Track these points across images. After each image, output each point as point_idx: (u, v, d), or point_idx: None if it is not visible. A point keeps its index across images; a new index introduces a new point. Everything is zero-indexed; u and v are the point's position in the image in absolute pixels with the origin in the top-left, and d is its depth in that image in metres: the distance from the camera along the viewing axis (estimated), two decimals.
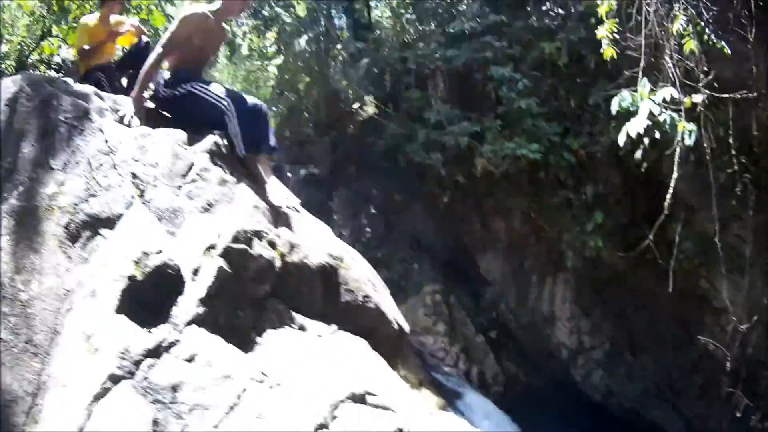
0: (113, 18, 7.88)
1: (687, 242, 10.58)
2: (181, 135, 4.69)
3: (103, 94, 5.00)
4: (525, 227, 12.96)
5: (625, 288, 12.33)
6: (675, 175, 8.16)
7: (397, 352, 5.11)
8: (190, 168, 4.44)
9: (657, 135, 7.71)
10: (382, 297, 4.94)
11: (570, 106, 12.50)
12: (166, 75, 5.19)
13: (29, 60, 12.70)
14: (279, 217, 4.62)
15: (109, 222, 3.95)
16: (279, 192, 4.98)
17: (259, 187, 4.83)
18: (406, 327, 5.22)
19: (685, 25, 7.73)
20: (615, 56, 8.14)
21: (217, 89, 4.96)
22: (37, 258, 3.71)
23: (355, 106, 16.88)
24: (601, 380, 12.35)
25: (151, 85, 5.24)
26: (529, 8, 13.08)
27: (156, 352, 3.22)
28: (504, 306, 13.24)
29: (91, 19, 7.94)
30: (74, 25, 12.90)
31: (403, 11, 17.28)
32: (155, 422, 2.95)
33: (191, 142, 4.70)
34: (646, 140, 7.91)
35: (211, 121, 4.89)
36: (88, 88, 4.94)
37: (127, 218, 3.97)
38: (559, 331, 12.79)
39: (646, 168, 9.35)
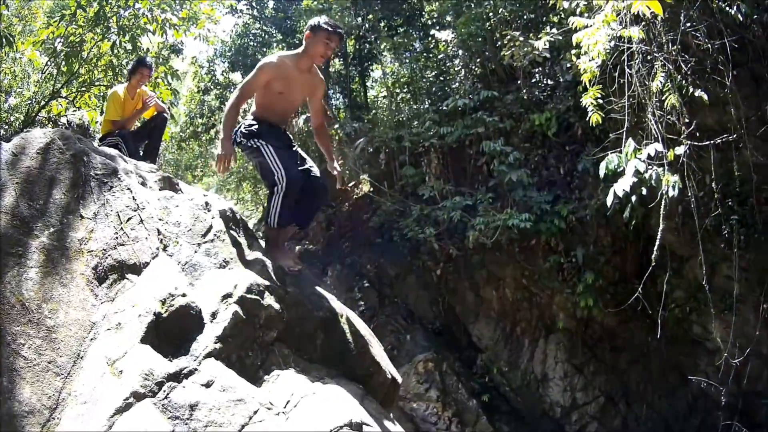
0: (139, 89, 8.48)
1: (678, 290, 10.98)
2: (200, 199, 5.23)
3: (126, 158, 5.64)
4: (516, 294, 13.22)
5: (617, 342, 12.69)
6: (662, 227, 8.37)
7: (391, 401, 5.43)
8: (208, 229, 4.90)
9: (644, 191, 8.00)
10: (377, 351, 5.29)
11: (560, 173, 12.96)
12: (248, 121, 5.51)
13: (37, 117, 13.05)
14: (286, 277, 4.99)
15: (136, 268, 4.40)
16: (288, 256, 5.43)
17: (269, 250, 5.31)
18: (399, 378, 5.57)
19: (664, 81, 8.08)
20: (600, 121, 8.53)
21: (282, 157, 5.21)
22: (65, 291, 4.11)
23: (350, 184, 17.23)
24: None
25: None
26: (519, 81, 13.51)
27: (176, 377, 3.62)
28: (496, 370, 13.37)
29: (120, 89, 8.49)
30: (83, 89, 13.41)
31: (398, 91, 17.77)
32: None
33: (209, 206, 5.20)
34: (633, 198, 8.17)
35: (265, 182, 5.42)
36: (113, 151, 5.54)
37: (152, 266, 4.43)
38: (552, 390, 12.94)
39: (634, 225, 9.61)
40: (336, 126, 16.83)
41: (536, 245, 12.80)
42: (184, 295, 4.06)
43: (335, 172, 5.70)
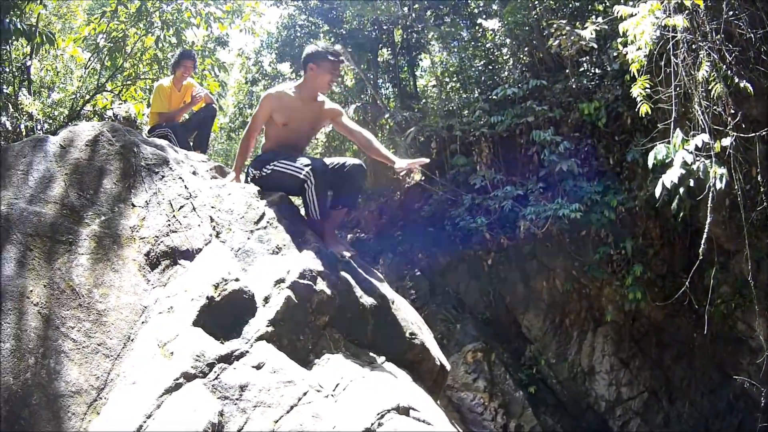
0: (185, 81, 8.56)
1: (724, 286, 10.76)
2: (253, 188, 5.33)
3: (176, 149, 5.88)
4: (566, 285, 13.11)
5: (663, 337, 12.52)
6: (709, 219, 8.29)
7: (438, 388, 5.40)
8: (261, 217, 4.98)
9: (691, 183, 7.90)
10: (427, 338, 5.27)
11: (609, 163, 12.83)
12: (258, 156, 5.72)
13: (82, 111, 13.21)
14: (338, 263, 4.99)
15: (189, 254, 4.54)
16: (339, 242, 5.43)
17: (322, 237, 5.28)
18: (448, 366, 5.54)
19: (709, 71, 7.97)
20: (649, 111, 8.43)
21: (298, 162, 5.26)
22: (117, 277, 4.24)
23: (402, 173, 17.16)
24: (639, 429, 12.38)
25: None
26: (567, 70, 13.40)
27: (227, 359, 3.67)
28: (544, 362, 13.31)
29: (166, 82, 8.59)
30: (128, 82, 13.55)
31: (447, 80, 17.74)
32: (221, 414, 3.34)
33: (262, 195, 5.29)
34: (681, 190, 8.07)
35: (294, 192, 5.40)
36: (163, 141, 5.74)
37: (205, 252, 4.54)
38: (597, 384, 12.85)
39: (682, 217, 9.47)
40: (386, 115, 16.84)
41: (586, 236, 12.69)
42: (237, 280, 4.12)
43: (400, 166, 5.42)
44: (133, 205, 4.67)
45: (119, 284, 4.19)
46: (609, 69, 12.88)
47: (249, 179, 5.63)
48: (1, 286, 3.85)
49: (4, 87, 11.74)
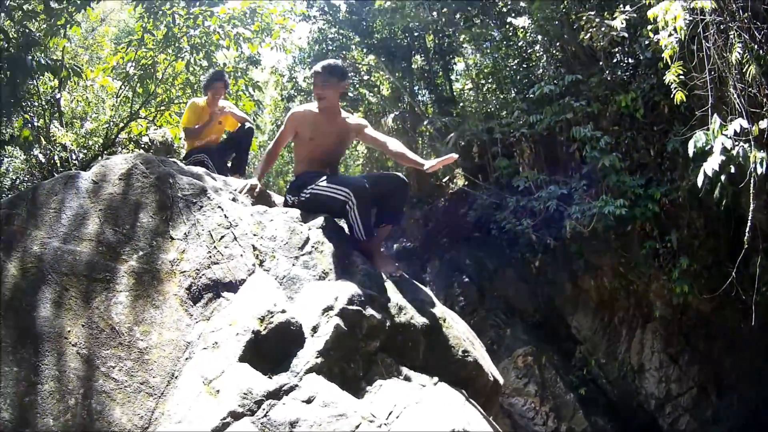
0: (221, 103, 8.47)
1: None
2: (295, 212, 5.23)
3: (213, 175, 5.73)
4: (614, 283, 12.97)
5: (711, 330, 12.34)
6: (752, 206, 8.15)
7: (492, 403, 5.32)
8: (305, 242, 4.88)
9: (732, 169, 7.72)
10: (479, 353, 5.17)
11: (650, 155, 12.60)
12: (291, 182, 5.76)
13: (117, 139, 13.26)
14: (387, 284, 4.90)
15: (232, 286, 4.39)
16: (387, 261, 5.36)
17: (369, 256, 5.19)
18: (501, 380, 5.43)
19: (742, 52, 7.78)
20: (684, 99, 8.28)
21: (335, 181, 5.29)
22: (158, 313, 4.13)
23: (445, 179, 17.11)
24: (688, 425, 12.24)
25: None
26: (600, 62, 13.21)
27: (276, 395, 3.56)
28: (594, 362, 13.16)
29: (200, 100, 8.52)
30: (162, 108, 13.58)
31: (483, 81, 17.57)
32: None
33: (305, 219, 5.20)
34: (722, 177, 7.91)
35: (336, 213, 5.31)
36: (200, 169, 5.60)
37: (249, 283, 4.41)
38: (647, 381, 12.72)
39: (725, 205, 9.28)
40: (425, 122, 16.77)
41: (632, 231, 12.52)
42: (283, 311, 4.02)
43: (429, 166, 5.44)
44: (172, 238, 4.57)
45: (161, 321, 4.10)
46: (641, 58, 12.63)
47: (288, 206, 5.58)
48: (38, 328, 3.79)
49: (35, 120, 11.81)
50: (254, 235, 4.81)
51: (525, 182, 13.26)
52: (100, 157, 12.22)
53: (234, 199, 5.30)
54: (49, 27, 10.34)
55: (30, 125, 11.36)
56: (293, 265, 4.68)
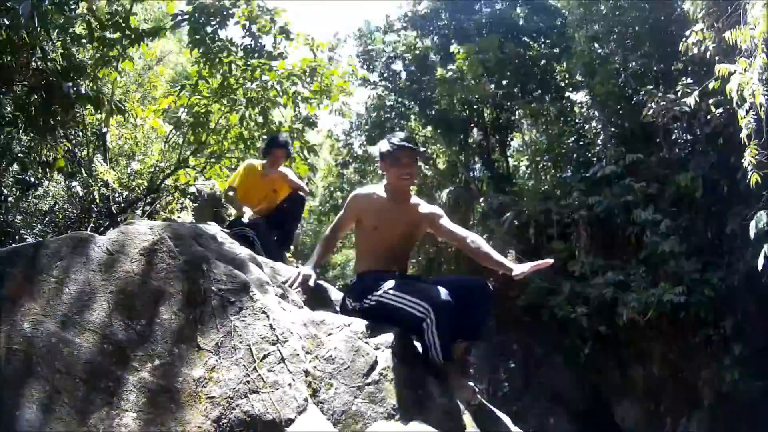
0: (280, 170, 7.61)
1: None
2: (359, 324, 4.16)
3: (260, 259, 4.76)
4: (663, 371, 12.65)
5: (760, 416, 11.68)
6: None
7: None
8: (372, 367, 3.87)
9: None
10: None
11: (707, 238, 12.36)
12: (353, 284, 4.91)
13: (162, 184, 13.07)
14: (466, 416, 4.02)
15: (275, 427, 3.37)
16: (464, 386, 4.36)
17: (446, 378, 4.29)
18: None
19: None
20: (760, 181, 8.01)
21: (411, 289, 4.34)
22: None
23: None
24: None
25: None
26: (659, 140, 12.94)
27: None
28: None
29: (257, 162, 7.74)
30: (212, 160, 13.48)
31: (538, 158, 17.33)
32: None
33: (372, 333, 4.17)
34: None
35: (408, 328, 4.38)
36: (244, 252, 4.68)
37: (298, 425, 3.43)
38: None
39: None
40: (480, 200, 16.54)
41: (686, 317, 12.07)
42: None
43: (520, 271, 4.40)
44: (200, 348, 3.57)
45: None
46: (699, 133, 12.33)
47: (348, 313, 4.66)
48: (20, 430, 3.00)
49: (77, 150, 11.64)
50: (307, 353, 3.85)
51: (581, 267, 13.04)
52: (141, 201, 12.09)
53: (284, 296, 4.34)
54: (101, 57, 10.16)
55: (72, 154, 11.20)
56: (355, 397, 3.71)
